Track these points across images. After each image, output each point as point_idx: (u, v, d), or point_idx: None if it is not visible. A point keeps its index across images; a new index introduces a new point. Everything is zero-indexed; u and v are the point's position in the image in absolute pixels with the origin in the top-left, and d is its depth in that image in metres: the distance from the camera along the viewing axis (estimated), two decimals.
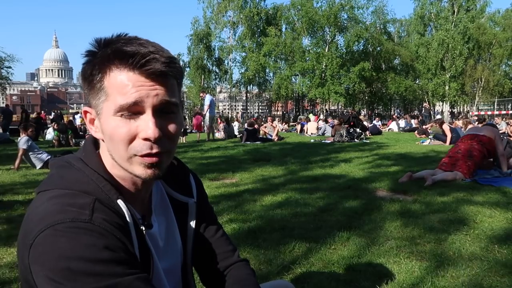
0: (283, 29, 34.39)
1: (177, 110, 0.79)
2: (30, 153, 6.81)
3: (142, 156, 0.74)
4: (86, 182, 0.77)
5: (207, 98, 12.96)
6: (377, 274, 2.27)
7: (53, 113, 21.57)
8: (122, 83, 0.73)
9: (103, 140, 0.81)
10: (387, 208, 3.72)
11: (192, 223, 0.98)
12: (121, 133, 0.74)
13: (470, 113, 32.46)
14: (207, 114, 12.97)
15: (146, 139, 0.74)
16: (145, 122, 0.73)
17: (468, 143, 5.31)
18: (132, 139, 0.74)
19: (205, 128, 13.55)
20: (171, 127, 0.77)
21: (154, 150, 0.74)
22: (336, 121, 15.08)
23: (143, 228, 0.82)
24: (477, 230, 3.00)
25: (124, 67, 0.73)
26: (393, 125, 20.70)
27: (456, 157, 5.20)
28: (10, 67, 35.13)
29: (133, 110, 0.73)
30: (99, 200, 0.74)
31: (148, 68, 0.72)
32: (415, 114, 32.72)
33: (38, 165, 6.83)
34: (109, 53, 0.73)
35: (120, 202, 0.78)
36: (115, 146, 0.76)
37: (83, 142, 0.90)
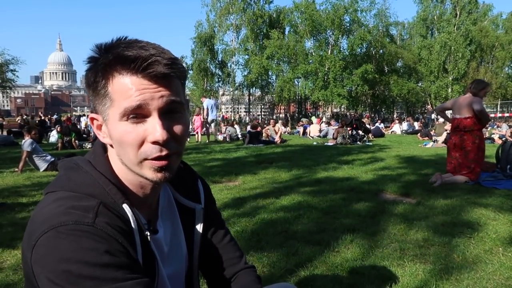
0: (286, 32, 34.46)
1: (183, 110, 0.78)
2: (34, 155, 6.83)
3: (153, 159, 0.75)
4: (93, 185, 0.77)
5: (205, 103, 13.69)
6: (381, 277, 2.27)
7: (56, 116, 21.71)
8: (126, 88, 0.72)
9: (111, 145, 0.81)
10: (390, 210, 3.71)
11: (199, 229, 0.98)
12: (129, 138, 0.74)
13: None
14: (209, 117, 13.57)
15: (155, 142, 0.74)
16: (152, 125, 0.73)
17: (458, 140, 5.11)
18: (141, 143, 0.74)
19: (208, 130, 13.88)
20: (178, 128, 0.77)
21: (164, 153, 0.74)
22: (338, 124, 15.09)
23: (148, 234, 0.82)
24: (481, 233, 2.99)
25: (126, 72, 0.72)
26: (396, 128, 20.67)
27: (457, 163, 5.10)
28: (15, 70, 35.54)
29: (138, 114, 0.73)
30: (104, 203, 0.75)
31: (151, 71, 0.72)
32: (418, 116, 32.68)
33: (42, 167, 6.86)
34: (110, 59, 0.73)
35: (125, 206, 0.78)
36: (125, 151, 0.76)
37: (94, 144, 0.90)
